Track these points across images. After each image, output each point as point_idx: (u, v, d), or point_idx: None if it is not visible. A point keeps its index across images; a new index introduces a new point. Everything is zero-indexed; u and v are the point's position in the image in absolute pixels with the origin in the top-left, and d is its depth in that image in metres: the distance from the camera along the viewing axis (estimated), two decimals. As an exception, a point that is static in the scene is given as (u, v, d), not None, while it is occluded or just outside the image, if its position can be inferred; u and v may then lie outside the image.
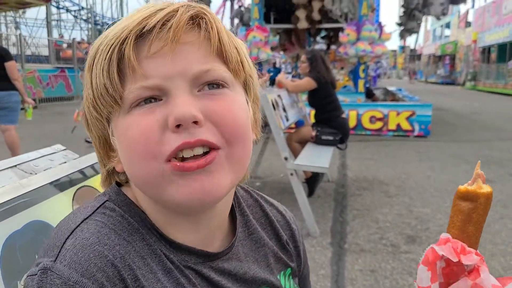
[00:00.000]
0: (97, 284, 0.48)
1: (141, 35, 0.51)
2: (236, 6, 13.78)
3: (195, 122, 0.50)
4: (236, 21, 13.00)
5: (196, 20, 0.53)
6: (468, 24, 34.96)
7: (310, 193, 4.25)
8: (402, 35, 12.86)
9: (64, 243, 0.51)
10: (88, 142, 5.67)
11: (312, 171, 4.08)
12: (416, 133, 8.14)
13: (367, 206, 3.98)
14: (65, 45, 20.55)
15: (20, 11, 24.76)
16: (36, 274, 0.49)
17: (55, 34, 28.46)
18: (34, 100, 10.96)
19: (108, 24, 0.56)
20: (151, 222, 0.58)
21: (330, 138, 4.31)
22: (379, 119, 8.28)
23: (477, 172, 0.55)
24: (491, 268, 2.74)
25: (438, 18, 12.56)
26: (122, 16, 0.64)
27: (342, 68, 10.36)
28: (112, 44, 0.52)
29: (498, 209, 3.88)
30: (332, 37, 11.67)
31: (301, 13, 9.29)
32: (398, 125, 8.21)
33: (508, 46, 23.28)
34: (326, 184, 4.75)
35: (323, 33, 12.14)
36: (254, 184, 4.69)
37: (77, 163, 0.96)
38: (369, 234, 3.33)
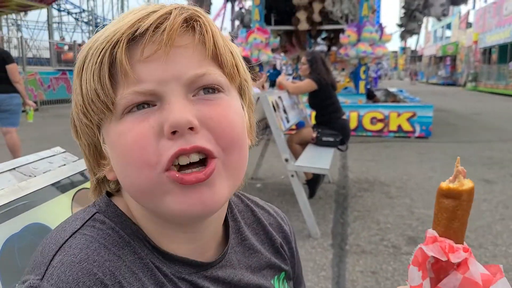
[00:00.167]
0: None
1: (134, 38, 0.49)
2: (236, 8, 13.79)
3: (191, 128, 0.49)
4: (237, 23, 13.02)
5: (190, 23, 0.52)
6: (469, 25, 34.94)
7: (311, 194, 4.25)
8: (403, 36, 12.87)
9: (51, 260, 0.49)
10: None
11: (313, 173, 4.08)
12: (417, 134, 8.14)
13: (368, 208, 3.97)
14: (66, 48, 20.59)
15: (22, 13, 24.81)
16: None
17: (56, 37, 28.53)
18: (36, 102, 10.98)
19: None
20: (143, 233, 0.56)
21: (331, 139, 4.31)
22: (380, 120, 8.28)
23: (457, 168, 0.55)
24: (493, 269, 2.74)
25: (438, 19, 12.57)
26: None
27: (343, 70, 10.36)
28: (103, 47, 0.50)
29: (499, 210, 3.88)
30: (333, 38, 11.66)
31: (301, 15, 9.29)
32: (399, 126, 8.21)
33: (509, 47, 23.26)
34: (327, 185, 4.74)
35: (323, 35, 12.12)
36: (255, 185, 4.69)
37: (77, 165, 0.96)
38: (370, 235, 3.32)
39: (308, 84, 4.48)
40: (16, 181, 0.81)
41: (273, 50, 9.91)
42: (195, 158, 0.50)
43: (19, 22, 30.01)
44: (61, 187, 0.87)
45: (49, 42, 18.94)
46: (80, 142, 0.57)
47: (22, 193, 0.75)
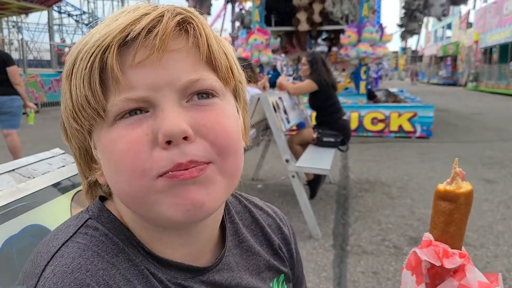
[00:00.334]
0: None
1: (125, 43, 0.48)
2: (237, 9, 13.80)
3: (185, 138, 0.48)
4: (237, 24, 13.03)
5: (184, 26, 0.50)
6: (469, 25, 34.92)
7: (312, 195, 4.24)
8: (403, 37, 12.86)
9: (43, 270, 0.48)
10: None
11: (313, 173, 4.07)
12: (418, 134, 8.13)
13: (369, 208, 3.97)
14: (67, 50, 20.62)
15: (22, 15, 24.87)
16: None
17: (57, 39, 28.55)
18: (36, 104, 10.96)
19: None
20: (137, 239, 0.55)
21: (332, 140, 4.31)
22: (381, 121, 8.28)
23: (455, 170, 0.53)
24: (495, 269, 2.73)
25: (439, 19, 12.57)
26: None
27: (343, 70, 10.35)
28: (93, 52, 0.48)
29: (500, 210, 3.87)
30: (333, 39, 11.66)
31: (302, 16, 9.30)
32: (400, 127, 8.20)
33: (509, 46, 23.24)
34: (328, 186, 4.74)
35: (324, 35, 12.13)
36: (255, 186, 4.69)
37: (75, 167, 0.96)
38: (371, 236, 3.32)
39: (309, 84, 4.48)
40: (15, 182, 0.80)
41: (274, 51, 9.92)
42: (191, 169, 0.49)
43: (20, 24, 30.09)
44: (60, 188, 0.86)
45: (50, 44, 18.97)
46: (70, 145, 0.56)
47: (20, 194, 0.75)
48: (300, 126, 5.45)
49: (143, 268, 0.53)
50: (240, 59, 0.61)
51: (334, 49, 11.57)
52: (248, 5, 12.73)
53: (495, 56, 26.15)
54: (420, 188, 4.61)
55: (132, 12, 0.50)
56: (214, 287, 0.59)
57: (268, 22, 9.66)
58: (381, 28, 9.28)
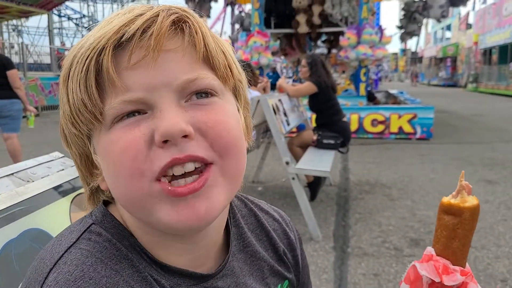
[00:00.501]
0: None
1: (120, 44, 0.47)
2: (236, 12, 13.84)
3: (185, 136, 0.47)
4: (237, 26, 13.06)
5: (179, 25, 0.49)
6: (469, 26, 34.95)
7: (312, 197, 4.24)
8: (403, 38, 12.89)
9: (46, 278, 0.47)
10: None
11: (314, 175, 4.07)
12: (418, 135, 8.13)
13: (369, 210, 3.96)
14: (66, 53, 20.62)
15: (22, 19, 24.92)
16: None
17: (57, 42, 28.62)
18: (36, 108, 11.00)
19: None
20: (140, 245, 0.54)
21: (332, 142, 4.31)
22: (381, 122, 8.27)
23: (461, 183, 0.50)
24: (496, 271, 2.72)
25: (438, 21, 12.58)
26: None
27: (343, 72, 10.36)
28: (89, 55, 0.47)
29: (501, 211, 3.86)
30: (333, 41, 11.67)
31: (301, 18, 9.31)
32: (400, 128, 8.20)
33: (509, 47, 23.26)
34: (328, 188, 4.73)
35: (323, 37, 12.15)
36: (256, 189, 4.68)
37: (75, 170, 0.95)
38: (372, 237, 3.31)
39: (308, 87, 4.48)
40: (14, 186, 0.80)
41: (273, 53, 9.92)
42: (190, 167, 0.47)
43: (20, 28, 30.15)
44: (59, 192, 0.86)
45: (50, 48, 19.01)
46: (71, 151, 0.56)
47: (19, 198, 0.75)
48: (300, 128, 5.45)
49: (147, 275, 0.52)
50: (240, 62, 0.60)
51: (334, 51, 11.57)
52: (247, 7, 12.77)
53: (495, 57, 26.16)
54: (421, 189, 4.60)
55: (127, 14, 0.49)
56: None
57: (267, 25, 9.67)
58: (381, 30, 9.29)
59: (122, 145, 0.47)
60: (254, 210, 0.71)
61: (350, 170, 5.61)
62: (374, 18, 12.37)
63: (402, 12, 12.35)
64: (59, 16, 31.95)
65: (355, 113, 8.27)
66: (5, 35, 27.23)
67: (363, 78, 9.20)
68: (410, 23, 12.07)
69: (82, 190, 0.92)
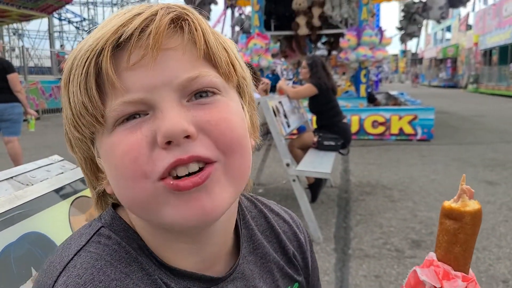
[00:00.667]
0: None
1: (118, 45, 0.46)
2: (236, 14, 13.87)
3: (187, 137, 0.46)
4: (237, 28, 13.08)
5: (178, 23, 0.48)
6: (469, 27, 34.98)
7: (313, 199, 4.24)
8: (403, 39, 12.91)
9: (55, 281, 0.47)
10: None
11: (314, 177, 4.07)
12: (419, 136, 8.13)
13: (370, 211, 3.96)
14: (67, 56, 20.68)
15: (23, 23, 24.98)
16: None
17: (58, 46, 28.67)
18: (37, 111, 11.01)
19: None
20: (149, 248, 0.53)
21: (332, 143, 4.31)
22: (382, 124, 8.27)
23: (462, 187, 0.49)
24: (497, 272, 2.72)
25: (438, 22, 12.59)
26: None
27: (343, 74, 10.39)
28: (88, 57, 0.46)
29: (503, 212, 3.85)
30: (333, 42, 11.70)
31: (301, 20, 9.33)
32: (401, 129, 8.20)
33: (509, 48, 23.27)
34: (329, 189, 4.73)
35: (323, 39, 12.18)
36: (256, 191, 4.68)
37: (74, 173, 0.96)
38: (373, 239, 3.31)
39: (308, 88, 4.49)
40: (13, 190, 0.80)
41: (273, 56, 9.94)
42: (194, 168, 0.46)
43: (20, 31, 30.23)
44: (58, 195, 0.86)
45: (50, 51, 19.03)
46: (76, 156, 0.55)
47: (18, 202, 0.75)
48: (301, 130, 5.45)
49: (156, 278, 0.51)
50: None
51: (334, 52, 11.60)
52: (247, 10, 12.81)
53: (495, 57, 26.18)
54: (422, 190, 4.60)
55: (125, 14, 0.48)
56: None
57: (267, 27, 9.70)
58: (381, 31, 9.31)
59: (124, 148, 0.47)
60: (264, 211, 0.70)
61: (351, 172, 5.60)
62: (374, 20, 12.41)
63: (402, 14, 12.37)
64: (60, 19, 32.05)
65: (356, 115, 8.28)
66: (6, 39, 27.32)
67: (363, 79, 9.21)
68: (410, 24, 12.08)
69: (80, 194, 0.92)
